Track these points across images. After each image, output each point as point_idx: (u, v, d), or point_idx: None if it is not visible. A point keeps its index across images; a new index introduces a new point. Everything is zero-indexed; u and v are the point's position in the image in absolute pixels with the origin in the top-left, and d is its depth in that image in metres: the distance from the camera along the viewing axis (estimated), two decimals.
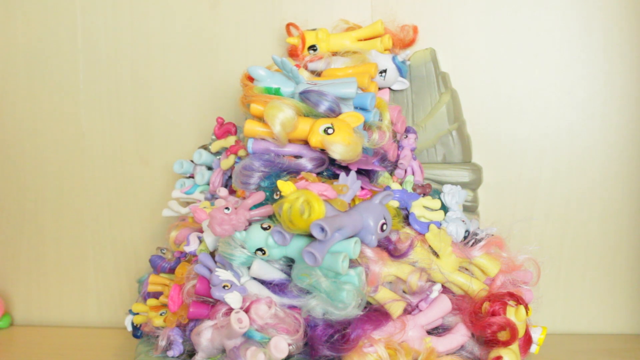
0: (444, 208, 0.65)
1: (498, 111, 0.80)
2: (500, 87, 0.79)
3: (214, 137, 0.77)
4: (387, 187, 0.64)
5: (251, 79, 0.63)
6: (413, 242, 0.59)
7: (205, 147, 0.77)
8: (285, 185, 0.55)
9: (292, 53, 0.73)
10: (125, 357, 0.75)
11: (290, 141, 0.61)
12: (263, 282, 0.59)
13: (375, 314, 0.55)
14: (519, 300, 0.57)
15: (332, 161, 0.61)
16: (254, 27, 0.83)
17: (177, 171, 0.76)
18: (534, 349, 0.61)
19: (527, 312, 0.57)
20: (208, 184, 0.74)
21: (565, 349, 0.74)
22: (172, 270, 0.68)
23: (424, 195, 0.66)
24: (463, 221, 0.64)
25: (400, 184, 0.67)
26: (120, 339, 0.82)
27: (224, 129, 0.74)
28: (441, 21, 0.79)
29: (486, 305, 0.57)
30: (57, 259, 0.90)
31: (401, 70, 0.73)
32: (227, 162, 0.69)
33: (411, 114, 0.77)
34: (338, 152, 0.57)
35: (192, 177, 0.76)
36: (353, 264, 0.55)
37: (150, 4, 0.84)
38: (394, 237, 0.60)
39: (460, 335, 0.58)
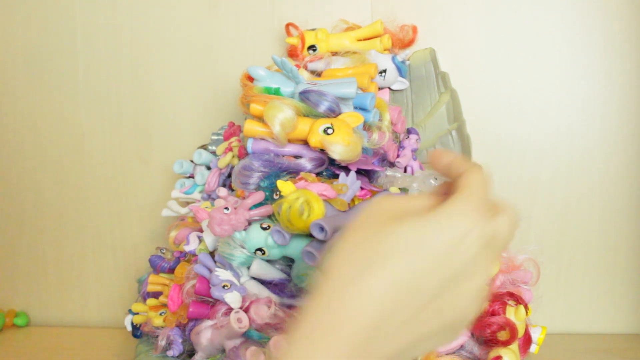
0: None
1: (498, 111, 0.80)
2: (500, 87, 0.79)
3: (213, 136, 0.77)
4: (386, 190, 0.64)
5: (251, 79, 0.63)
6: None
7: (205, 147, 0.77)
8: (285, 185, 0.55)
9: (292, 53, 0.73)
10: (125, 357, 0.75)
11: (290, 141, 0.61)
12: (263, 282, 0.59)
13: None
14: (518, 300, 0.57)
15: (332, 161, 0.61)
16: (254, 28, 0.83)
17: (177, 171, 0.76)
18: (533, 348, 0.61)
19: (526, 312, 0.57)
20: None
21: (565, 348, 0.74)
22: (171, 270, 0.68)
23: None
24: None
25: None
26: (120, 339, 0.82)
27: (231, 131, 0.74)
28: (441, 21, 0.79)
29: (486, 305, 0.57)
30: (57, 259, 0.90)
31: (401, 70, 0.73)
32: (224, 160, 0.69)
33: (411, 114, 0.77)
34: (338, 152, 0.57)
35: (192, 177, 0.76)
36: None
37: (150, 4, 0.84)
38: None
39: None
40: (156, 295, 0.68)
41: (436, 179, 0.65)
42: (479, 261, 0.34)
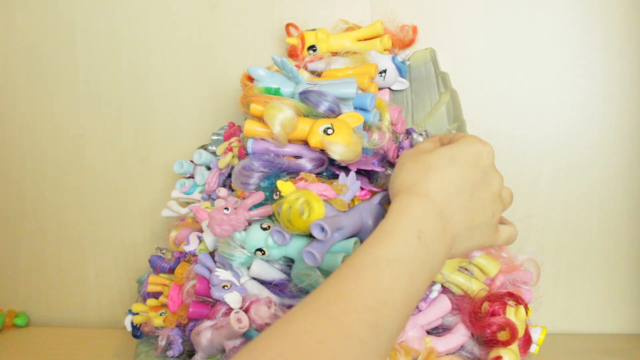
0: None
1: (498, 111, 0.80)
2: (500, 87, 0.79)
3: (214, 136, 0.77)
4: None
5: (251, 79, 0.63)
6: None
7: (205, 147, 0.77)
8: (285, 186, 0.55)
9: (292, 53, 0.73)
10: (125, 357, 0.75)
11: (290, 141, 0.61)
12: (263, 282, 0.59)
13: None
14: (518, 300, 0.57)
15: (332, 161, 0.61)
16: (254, 28, 0.83)
17: (177, 171, 0.76)
18: (533, 349, 0.61)
19: (526, 312, 0.57)
20: None
21: (565, 349, 0.74)
22: (171, 270, 0.68)
23: None
24: None
25: None
26: (120, 339, 0.82)
27: (231, 131, 0.74)
28: (441, 21, 0.79)
29: (486, 305, 0.57)
30: (57, 259, 0.90)
31: (401, 70, 0.73)
32: (224, 160, 0.70)
33: (411, 114, 0.77)
34: (338, 152, 0.57)
35: (192, 177, 0.77)
36: None
37: (150, 4, 0.84)
38: None
39: (460, 335, 0.58)
40: (156, 295, 0.68)
41: None
42: (492, 174, 0.52)
